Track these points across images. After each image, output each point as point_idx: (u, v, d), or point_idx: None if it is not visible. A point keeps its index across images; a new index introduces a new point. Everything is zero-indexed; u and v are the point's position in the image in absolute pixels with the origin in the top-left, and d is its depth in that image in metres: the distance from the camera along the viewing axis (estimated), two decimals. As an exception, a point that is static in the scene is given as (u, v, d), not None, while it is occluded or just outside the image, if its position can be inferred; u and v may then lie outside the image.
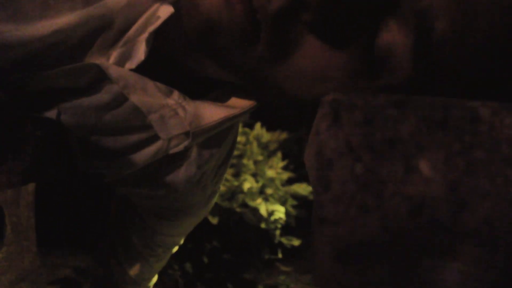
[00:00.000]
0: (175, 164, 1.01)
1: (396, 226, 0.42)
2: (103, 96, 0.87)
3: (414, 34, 0.49)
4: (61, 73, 0.82)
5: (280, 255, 2.39)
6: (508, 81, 0.49)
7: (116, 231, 1.25)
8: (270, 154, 2.44)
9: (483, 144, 0.39)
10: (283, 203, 2.32)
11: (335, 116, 0.42)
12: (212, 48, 0.63)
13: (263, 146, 2.42)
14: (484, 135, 0.40)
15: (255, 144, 2.33)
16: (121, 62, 0.84)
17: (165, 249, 1.27)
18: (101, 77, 0.84)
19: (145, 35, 0.68)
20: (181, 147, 0.89)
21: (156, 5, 0.66)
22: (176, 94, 0.88)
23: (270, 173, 2.29)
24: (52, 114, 0.86)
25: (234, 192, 2.19)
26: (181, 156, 1.00)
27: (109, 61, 0.84)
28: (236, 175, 2.23)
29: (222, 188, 2.17)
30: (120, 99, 0.87)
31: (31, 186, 1.88)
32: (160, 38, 0.68)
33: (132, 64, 0.85)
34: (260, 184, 2.24)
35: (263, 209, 2.17)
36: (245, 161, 2.27)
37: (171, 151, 0.91)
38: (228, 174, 2.21)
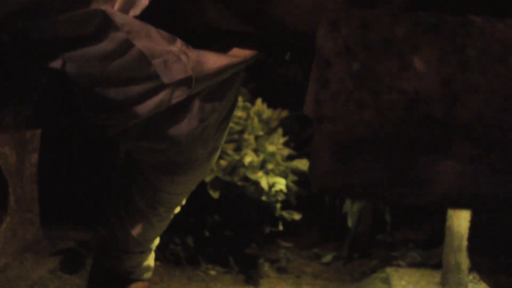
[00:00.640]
0: (177, 117, 1.03)
1: (392, 122, 0.43)
2: (108, 44, 0.89)
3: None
4: (66, 20, 0.84)
5: (281, 227, 2.41)
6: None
7: (119, 190, 1.28)
8: (271, 132, 2.45)
9: (475, 44, 0.41)
10: (284, 178, 2.34)
11: (333, 23, 0.43)
12: None
13: (264, 122, 2.43)
14: (476, 37, 0.41)
15: (256, 120, 2.35)
16: (125, 9, 0.86)
17: (167, 209, 1.29)
18: (105, 25, 0.86)
19: None
20: (184, 95, 0.91)
21: None
22: (179, 41, 0.90)
23: (271, 148, 2.30)
24: (57, 63, 0.88)
25: (235, 166, 2.20)
26: (184, 109, 1.02)
27: (113, 8, 0.85)
28: (237, 149, 2.25)
29: (223, 162, 2.19)
30: (124, 48, 0.89)
31: (34, 158, 1.92)
32: None
33: (136, 11, 0.86)
34: (261, 158, 2.26)
35: (264, 182, 2.18)
36: (246, 136, 2.28)
37: (173, 101, 0.93)
38: (229, 148, 2.23)
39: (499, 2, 0.50)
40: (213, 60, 0.89)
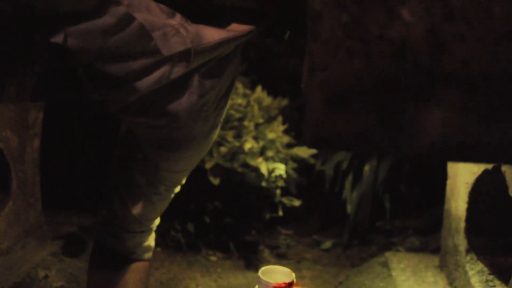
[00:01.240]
0: (177, 93, 1.05)
1: (381, 70, 0.45)
2: (109, 19, 0.91)
3: None
4: (68, -7, 0.85)
5: (280, 213, 2.42)
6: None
7: (119, 168, 1.29)
8: (271, 120, 2.46)
9: (461, -4, 0.43)
10: (284, 165, 2.35)
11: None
12: None
13: (264, 110, 2.44)
14: (462, -11, 0.43)
15: (256, 107, 2.36)
16: None
17: (168, 187, 1.31)
18: (106, 0, 0.87)
19: None
20: (183, 69, 0.93)
21: None
22: (178, 16, 0.92)
23: (271, 135, 2.32)
24: (59, 38, 0.90)
25: (235, 153, 2.22)
26: (183, 85, 1.04)
27: (113, -18, 0.87)
28: (237, 136, 2.26)
29: (223, 149, 2.21)
30: (125, 22, 0.91)
31: (36, 143, 1.94)
32: None
33: None
34: (261, 145, 2.27)
35: (263, 168, 2.20)
36: (246, 123, 2.29)
37: (173, 76, 0.95)
38: (229, 135, 2.24)
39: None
40: (212, 34, 0.91)
